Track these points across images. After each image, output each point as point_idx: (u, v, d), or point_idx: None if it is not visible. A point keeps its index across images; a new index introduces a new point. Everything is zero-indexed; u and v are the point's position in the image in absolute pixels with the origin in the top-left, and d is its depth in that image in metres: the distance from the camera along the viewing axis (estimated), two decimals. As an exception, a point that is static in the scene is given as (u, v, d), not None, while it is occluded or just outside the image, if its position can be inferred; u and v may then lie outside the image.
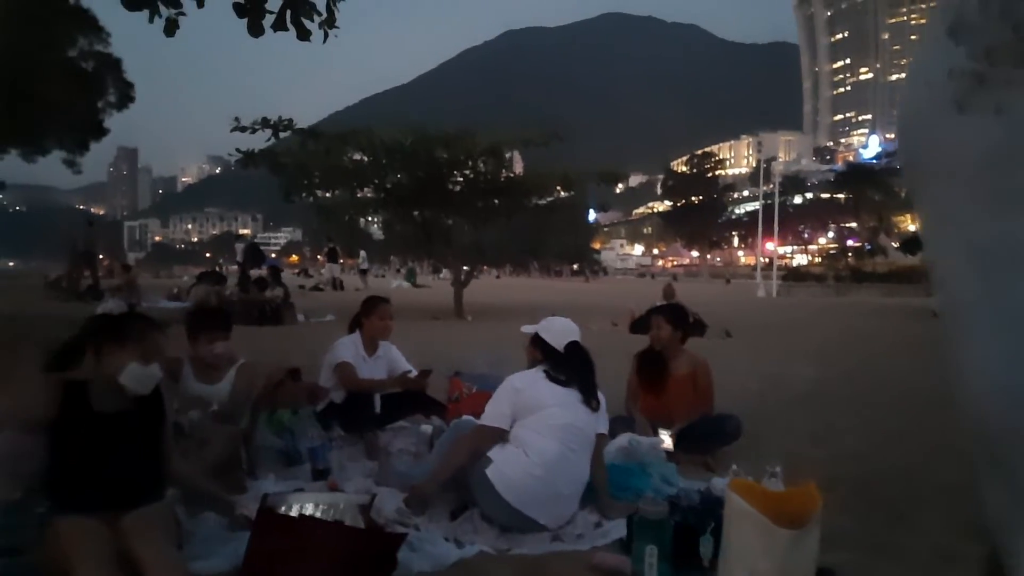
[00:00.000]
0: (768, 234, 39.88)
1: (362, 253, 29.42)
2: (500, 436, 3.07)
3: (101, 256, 21.94)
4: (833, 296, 26.70)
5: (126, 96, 20.62)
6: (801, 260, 75.43)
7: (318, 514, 2.36)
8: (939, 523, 3.02)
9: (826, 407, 5.73)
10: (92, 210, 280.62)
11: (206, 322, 3.64)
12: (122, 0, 4.70)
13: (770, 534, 2.10)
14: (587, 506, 3.11)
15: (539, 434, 3.01)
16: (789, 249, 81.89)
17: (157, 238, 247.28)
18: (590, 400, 3.19)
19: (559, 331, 3.38)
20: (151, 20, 4.84)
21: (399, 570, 2.43)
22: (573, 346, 3.33)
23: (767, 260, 39.92)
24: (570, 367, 3.27)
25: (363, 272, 27.73)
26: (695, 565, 2.49)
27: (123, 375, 2.47)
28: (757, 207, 47.90)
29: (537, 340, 3.37)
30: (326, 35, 5.21)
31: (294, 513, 2.32)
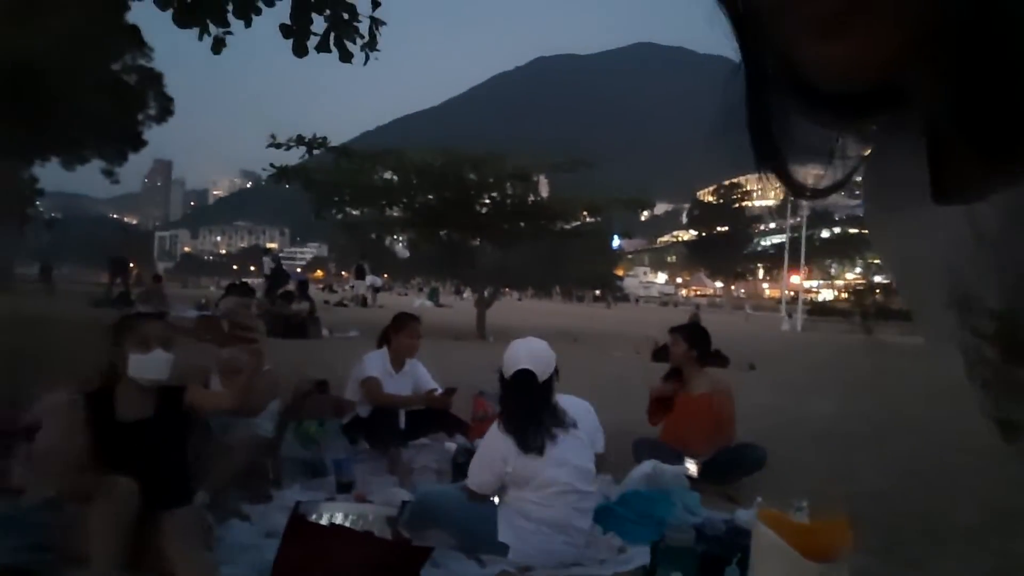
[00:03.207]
0: (794, 267, 39.53)
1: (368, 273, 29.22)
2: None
3: (132, 264, 22.37)
4: (859, 332, 26.33)
5: (165, 110, 21.20)
6: (827, 295, 74.48)
7: (347, 524, 2.39)
8: (958, 568, 2.97)
9: (848, 445, 5.64)
10: (125, 219, 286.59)
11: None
12: (174, 18, 4.88)
13: (799, 567, 2.08)
14: (610, 532, 3.10)
15: (534, 504, 2.84)
16: (815, 283, 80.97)
17: (186, 249, 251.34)
18: (527, 447, 2.80)
19: (511, 356, 2.99)
20: (200, 38, 5.01)
21: (422, 585, 2.44)
22: (520, 375, 2.91)
23: (792, 294, 39.52)
24: (509, 402, 2.96)
25: (375, 290, 27.86)
26: (719, 596, 2.47)
27: (130, 370, 2.55)
28: (783, 239, 47.54)
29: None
30: (367, 57, 5.35)
31: (324, 522, 2.35)
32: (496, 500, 2.95)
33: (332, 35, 5.06)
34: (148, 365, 2.56)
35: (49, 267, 27.72)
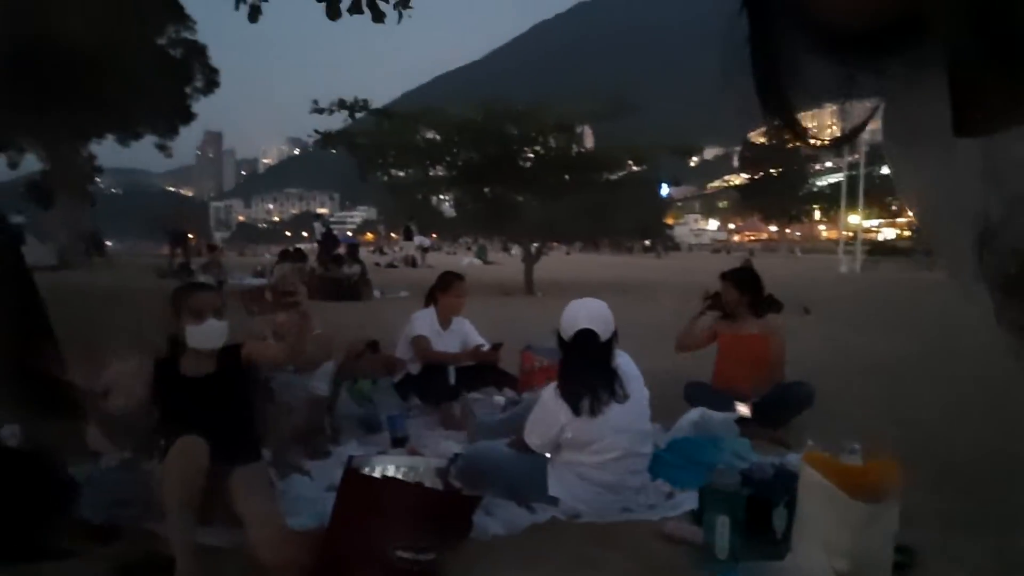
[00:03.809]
0: (852, 206, 38.15)
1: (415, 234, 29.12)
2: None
3: (191, 236, 23.11)
4: (922, 271, 25.38)
5: (212, 81, 21.52)
6: (888, 234, 71.81)
7: (399, 476, 2.49)
8: (1021, 503, 2.91)
9: (906, 384, 5.52)
10: (181, 192, 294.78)
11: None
12: (209, -12, 4.92)
13: (846, 507, 2.09)
14: (659, 478, 3.14)
15: (589, 467, 2.85)
16: (875, 222, 78.01)
17: (240, 218, 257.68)
18: (583, 411, 2.78)
19: (569, 316, 2.94)
20: (236, 7, 5.05)
21: (475, 532, 2.53)
22: (582, 336, 2.88)
23: (851, 234, 38.26)
24: (569, 364, 2.93)
25: (424, 250, 28.01)
26: (768, 538, 2.49)
27: (187, 339, 2.68)
28: (841, 179, 45.80)
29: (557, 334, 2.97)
30: (400, 15, 5.32)
31: (376, 474, 2.45)
32: (548, 455, 2.99)
33: (364, -5, 5.04)
34: (203, 334, 2.68)
35: (100, 239, 27.37)
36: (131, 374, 2.92)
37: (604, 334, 2.91)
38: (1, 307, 4.02)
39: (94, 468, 3.08)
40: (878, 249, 40.16)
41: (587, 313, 2.94)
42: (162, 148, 24.17)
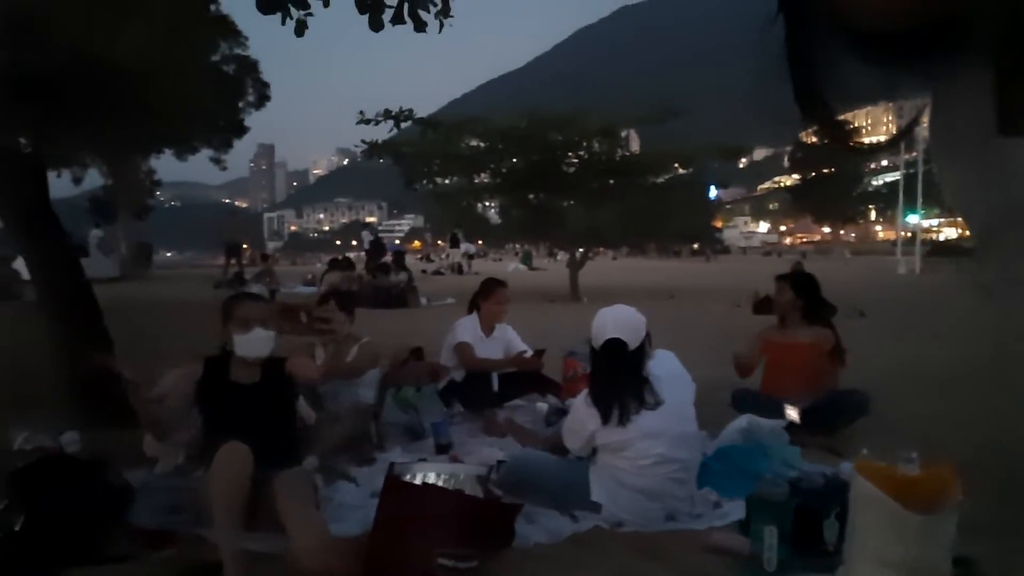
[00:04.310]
0: (910, 206, 36.91)
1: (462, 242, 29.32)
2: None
3: (245, 246, 23.75)
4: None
5: (263, 96, 22.10)
6: (949, 233, 69.13)
7: (439, 483, 2.50)
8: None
9: (968, 391, 5.28)
10: (236, 203, 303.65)
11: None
12: (257, 4, 5.05)
13: (900, 519, 2.00)
14: (705, 487, 3.07)
15: (628, 472, 2.82)
16: (935, 222, 75.26)
17: (292, 228, 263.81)
18: (611, 419, 2.76)
19: (598, 325, 2.92)
20: (283, 22, 5.17)
21: (517, 540, 2.52)
22: (609, 345, 2.85)
23: (909, 234, 36.99)
24: (598, 373, 2.91)
25: (470, 257, 28.18)
26: (818, 550, 2.41)
27: (235, 347, 2.77)
28: (898, 177, 44.40)
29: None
30: (441, 25, 5.36)
31: (417, 481, 2.47)
32: (589, 461, 2.97)
33: (406, 6, 5.10)
34: (249, 343, 2.76)
35: (148, 252, 27.60)
36: (184, 383, 3.02)
37: (633, 342, 2.87)
38: (61, 319, 4.20)
39: (149, 474, 3.19)
40: (939, 249, 38.75)
41: (615, 321, 2.92)
42: (217, 161, 24.92)
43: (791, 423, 3.74)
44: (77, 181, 25.91)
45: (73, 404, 3.91)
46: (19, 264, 9.69)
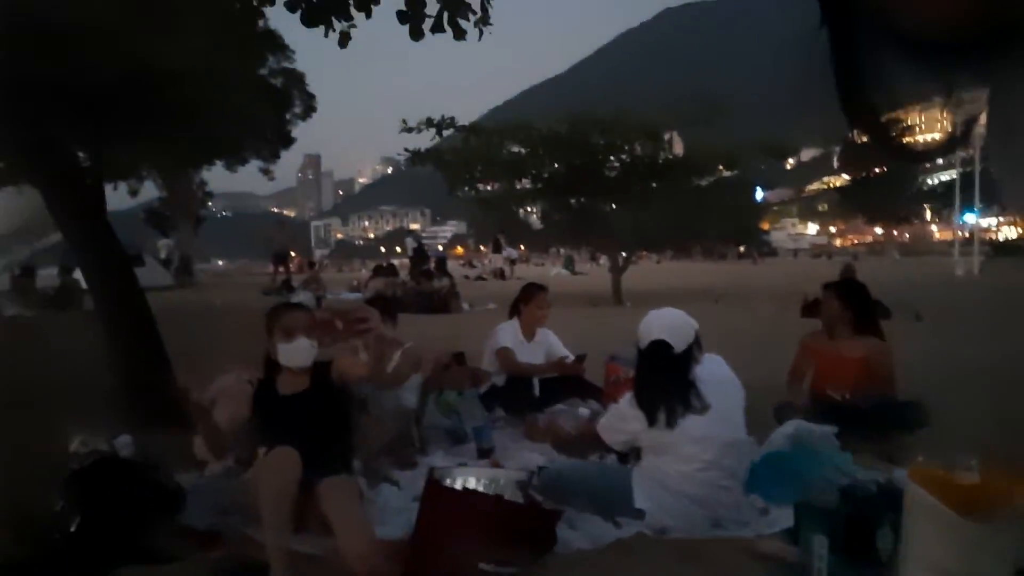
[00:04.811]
0: (968, 205, 35.65)
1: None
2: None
3: (293, 254, 24.28)
4: (1052, 272, 23.34)
5: (309, 107, 22.58)
6: (1009, 233, 66.51)
7: (479, 488, 2.50)
8: None
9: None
10: (284, 212, 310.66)
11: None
12: (301, 17, 5.17)
13: (956, 528, 1.93)
14: (752, 493, 3.01)
15: (673, 476, 2.78)
16: (994, 221, 72.49)
17: (339, 235, 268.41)
18: (656, 422, 2.74)
19: (645, 326, 2.88)
20: (327, 34, 5.28)
21: (559, 546, 2.51)
22: (655, 347, 2.81)
23: (967, 235, 35.71)
24: (643, 375, 2.85)
25: (512, 262, 28.23)
26: (871, 560, 2.33)
27: (279, 357, 2.82)
28: (954, 176, 42.92)
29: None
30: (481, 32, 5.39)
31: (457, 486, 2.47)
32: (632, 468, 2.94)
33: (445, 15, 5.15)
34: (292, 353, 2.82)
35: (190, 262, 27.37)
36: (234, 388, 3.09)
37: (679, 345, 2.83)
38: (116, 327, 4.35)
39: (199, 477, 3.27)
40: (998, 249, 37.32)
41: (661, 324, 2.87)
42: (265, 172, 25.53)
43: (841, 429, 3.63)
44: (134, 193, 26.81)
45: (127, 408, 4.04)
46: (80, 274, 10.10)
